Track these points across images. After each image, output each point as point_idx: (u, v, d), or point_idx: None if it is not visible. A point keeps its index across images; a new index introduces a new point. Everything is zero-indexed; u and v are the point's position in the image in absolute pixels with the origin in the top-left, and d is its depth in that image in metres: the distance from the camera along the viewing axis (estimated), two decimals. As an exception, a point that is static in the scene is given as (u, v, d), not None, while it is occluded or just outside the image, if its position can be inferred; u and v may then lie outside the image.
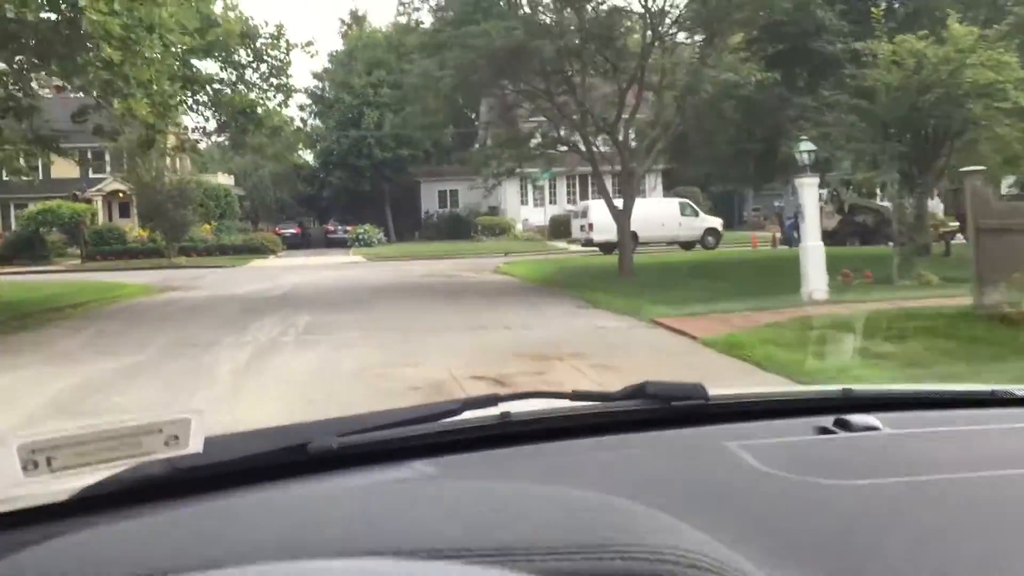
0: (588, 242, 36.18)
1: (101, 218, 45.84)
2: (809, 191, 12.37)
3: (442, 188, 57.63)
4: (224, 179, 53.23)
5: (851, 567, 1.01)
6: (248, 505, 1.09)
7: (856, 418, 1.53)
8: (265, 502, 1.08)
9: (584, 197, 52.65)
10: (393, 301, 17.57)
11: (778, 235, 37.05)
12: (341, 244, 50.63)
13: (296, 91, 19.81)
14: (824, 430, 1.53)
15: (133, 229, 41.74)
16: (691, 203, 39.83)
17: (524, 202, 52.39)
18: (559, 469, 1.35)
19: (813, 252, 12.42)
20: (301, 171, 58.24)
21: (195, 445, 1.13)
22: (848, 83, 16.48)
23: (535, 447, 1.44)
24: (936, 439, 1.52)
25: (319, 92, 57.30)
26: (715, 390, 1.58)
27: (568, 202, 52.00)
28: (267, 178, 56.76)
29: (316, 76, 56.78)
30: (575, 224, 39.67)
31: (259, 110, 19.12)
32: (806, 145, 12.59)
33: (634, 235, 38.37)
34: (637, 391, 1.51)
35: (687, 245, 37.67)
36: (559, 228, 48.73)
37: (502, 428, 1.45)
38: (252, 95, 19.07)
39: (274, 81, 19.16)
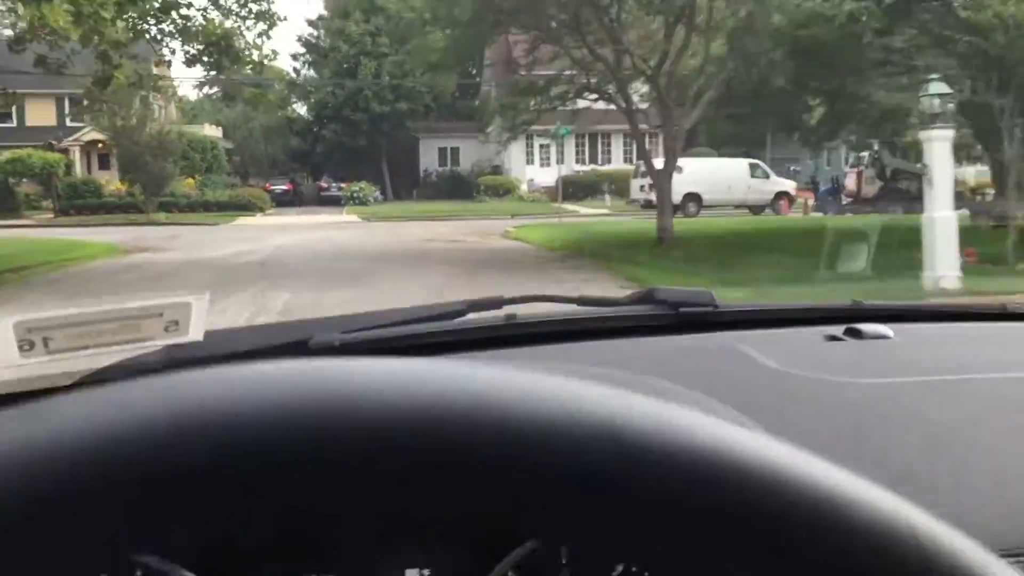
0: (648, 203, 32.87)
1: (79, 170, 42.70)
2: (940, 147, 9.48)
3: (442, 145, 54.54)
4: (212, 131, 49.96)
5: (869, 461, 1.00)
6: None
7: (867, 327, 1.51)
8: None
9: (595, 157, 49.68)
10: (393, 273, 14.68)
11: (811, 202, 34.14)
12: (335, 202, 47.60)
13: (280, 19, 16.68)
14: (834, 338, 1.51)
15: (111, 182, 38.68)
16: (762, 164, 36.54)
17: (530, 161, 49.30)
18: (565, 369, 1.21)
19: (943, 225, 9.53)
20: (294, 124, 55.07)
21: (195, 333, 1.09)
22: (953, 18, 13.49)
23: (540, 348, 1.42)
24: (946, 345, 1.55)
25: (313, 40, 53.92)
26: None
27: (576, 162, 48.98)
28: (258, 131, 53.50)
29: (311, 24, 53.41)
30: (634, 184, 36.33)
31: (237, 41, 16.09)
32: (938, 87, 9.66)
33: (697, 197, 36.04)
34: (645, 296, 1.52)
35: (756, 209, 34.56)
36: (570, 189, 45.78)
37: (507, 330, 1.45)
38: (229, 24, 16.00)
39: (253, 7, 16.11)
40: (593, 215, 34.34)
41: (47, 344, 1.01)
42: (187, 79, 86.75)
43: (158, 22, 15.45)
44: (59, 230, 31.44)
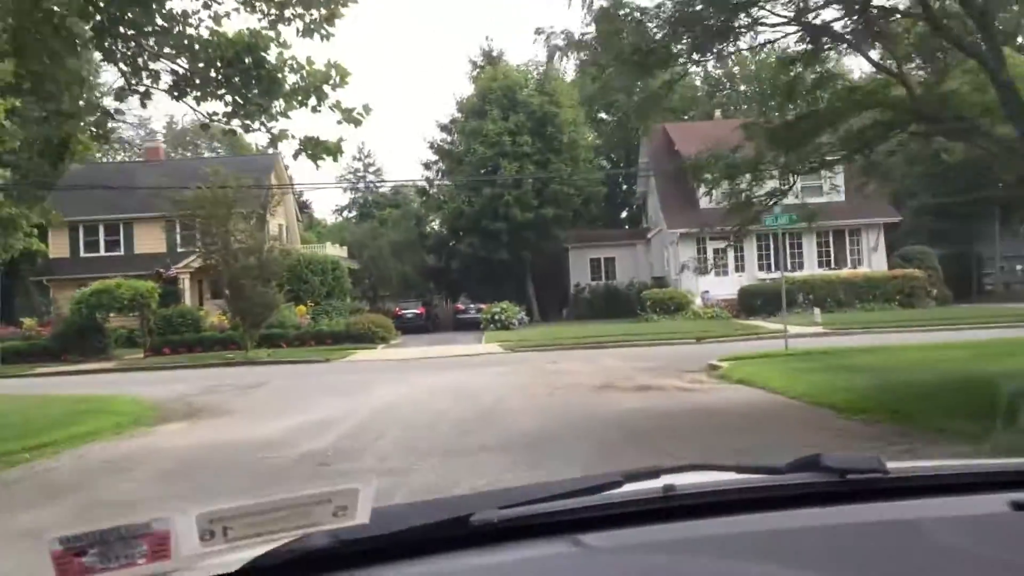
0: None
1: (188, 299, 37.51)
2: None
3: (595, 256, 47.27)
4: (335, 250, 44.38)
5: None
6: None
7: None
8: None
9: (782, 263, 41.18)
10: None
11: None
12: (474, 326, 40.73)
13: (345, 5, 9.45)
14: (1020, 506, 1.38)
15: (209, 314, 33.00)
16: None
17: (702, 270, 41.20)
18: (725, 546, 1.29)
19: None
20: (427, 239, 49.05)
21: (362, 516, 1.15)
22: None
23: (699, 522, 1.38)
24: None
25: (446, 146, 48.28)
26: (894, 463, 1.48)
27: (759, 268, 40.61)
28: (387, 248, 47.70)
29: (443, 128, 47.85)
30: None
31: (270, 54, 9.21)
32: None
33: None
34: (809, 462, 1.45)
35: None
36: (757, 302, 37.36)
37: (665, 502, 1.41)
38: (255, 27, 9.09)
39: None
40: (811, 334, 25.74)
41: (226, 533, 1.09)
42: (309, 187, 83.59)
43: (137, 30, 8.67)
44: (127, 376, 25.41)
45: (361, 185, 78.91)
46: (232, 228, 28.37)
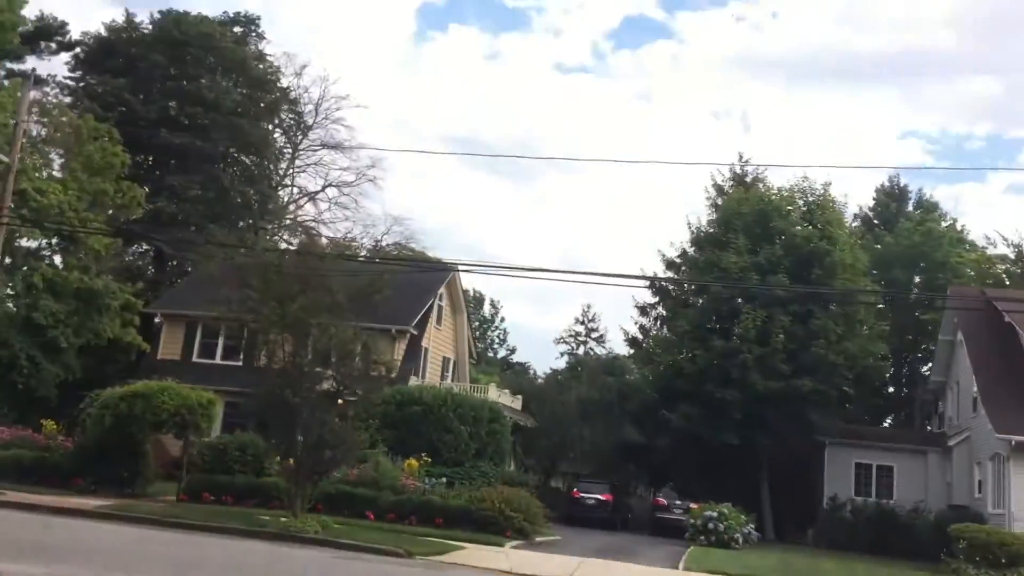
0: None
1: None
2: None
3: (863, 460, 33.37)
4: (502, 397, 33.28)
5: None
6: None
7: None
8: None
9: None
10: None
11: None
12: (675, 532, 27.94)
13: None
14: None
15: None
16: None
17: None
18: None
19: None
20: (628, 402, 36.91)
21: None
22: None
23: None
24: None
25: (667, 288, 36.78)
26: None
27: None
28: (573, 406, 36.03)
29: (668, 264, 36.52)
30: None
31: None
32: None
33: None
34: None
35: None
36: None
37: None
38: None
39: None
40: None
41: None
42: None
43: None
44: (139, 531, 15.07)
45: (574, 344, 68.69)
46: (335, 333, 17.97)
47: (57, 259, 29.98)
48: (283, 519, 17.59)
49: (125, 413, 21.33)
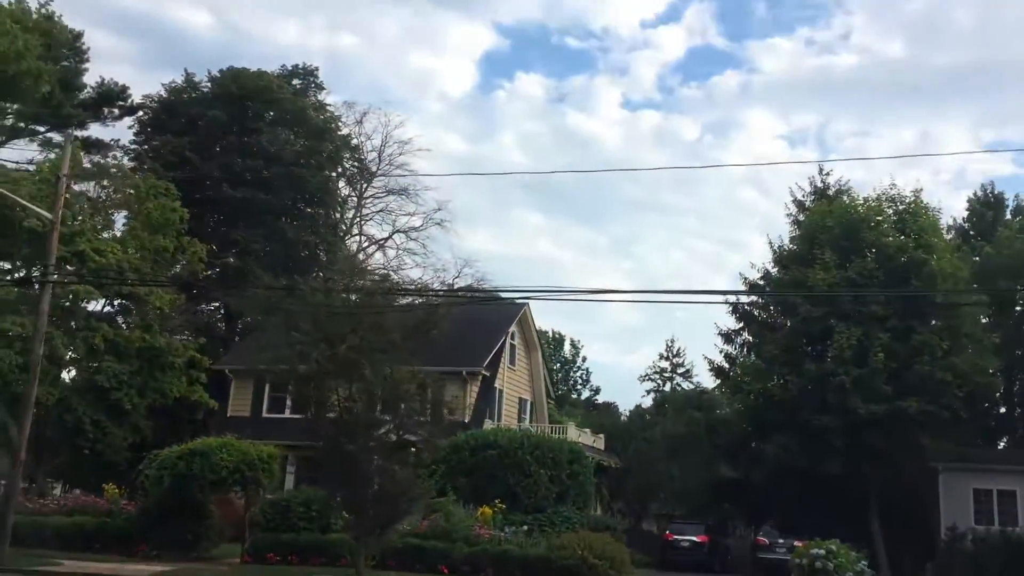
0: None
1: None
2: None
3: (983, 487, 30.41)
4: (581, 436, 31.52)
5: None
6: None
7: None
8: None
9: None
10: None
11: None
12: (780, 572, 25.55)
13: None
14: None
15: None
16: None
17: None
18: None
19: None
20: (718, 436, 34.73)
21: None
22: None
23: None
24: None
25: (752, 310, 34.70)
26: None
27: None
28: (660, 444, 34.04)
29: (751, 286, 34.46)
30: None
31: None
32: None
33: None
34: None
35: None
36: None
37: None
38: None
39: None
40: None
41: None
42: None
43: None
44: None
45: (659, 380, 66.49)
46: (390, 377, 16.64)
47: (121, 322, 29.55)
48: (347, 579, 16.23)
49: (183, 472, 20.33)
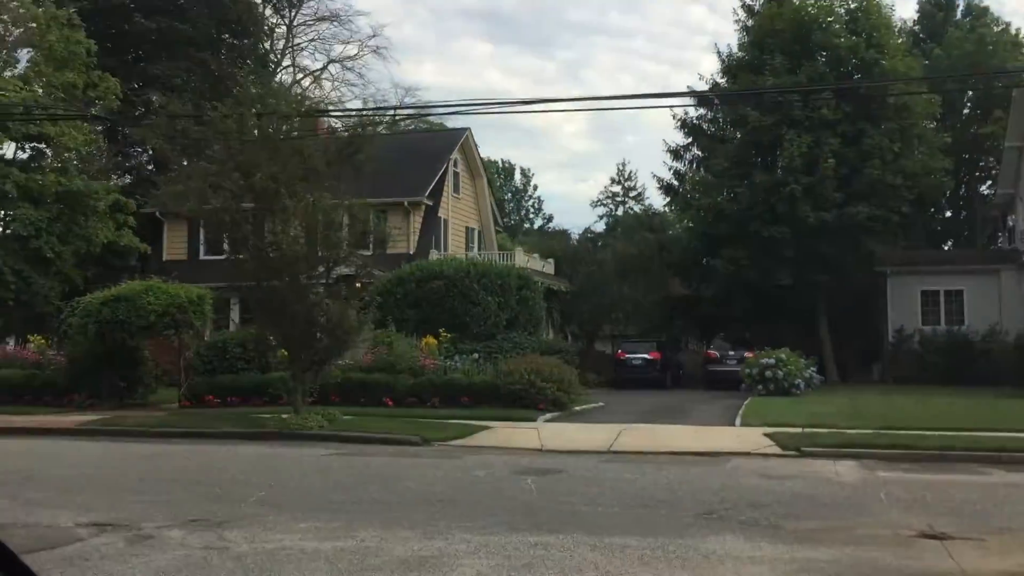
0: None
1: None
2: None
3: (930, 288, 30.69)
4: (531, 262, 30.97)
5: None
6: None
7: None
8: None
9: None
10: None
11: None
12: (733, 383, 25.74)
13: None
14: None
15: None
16: None
17: None
18: None
19: None
20: (667, 253, 34.39)
21: None
22: None
23: None
24: None
25: (701, 124, 33.60)
26: None
27: None
28: (610, 265, 33.63)
29: (700, 100, 33.16)
30: None
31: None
32: None
33: None
34: None
35: None
36: None
37: None
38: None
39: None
40: None
41: None
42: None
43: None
44: (121, 447, 13.36)
45: (611, 205, 65.98)
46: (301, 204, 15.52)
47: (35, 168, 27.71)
48: (284, 416, 15.69)
49: (109, 319, 19.35)
